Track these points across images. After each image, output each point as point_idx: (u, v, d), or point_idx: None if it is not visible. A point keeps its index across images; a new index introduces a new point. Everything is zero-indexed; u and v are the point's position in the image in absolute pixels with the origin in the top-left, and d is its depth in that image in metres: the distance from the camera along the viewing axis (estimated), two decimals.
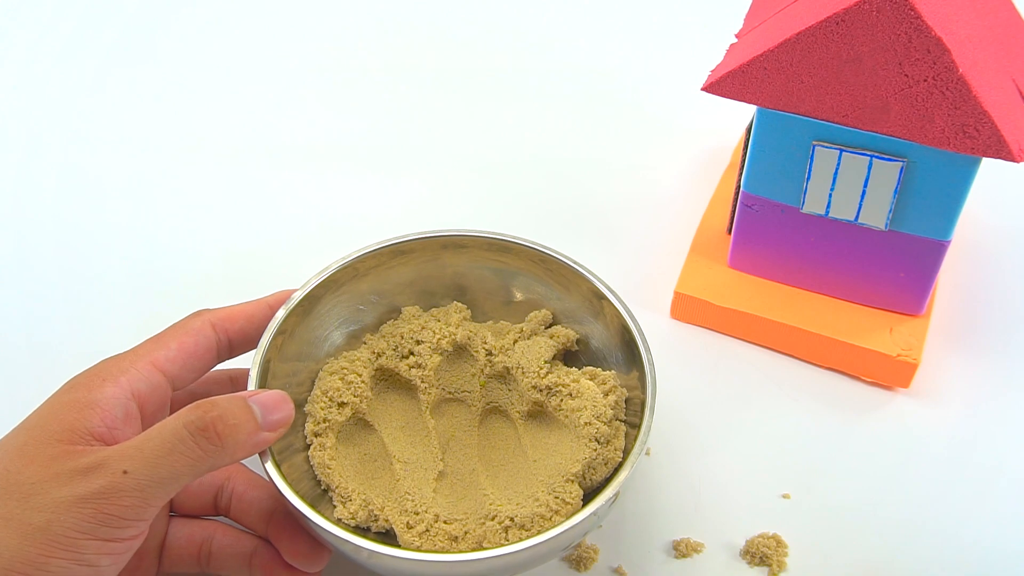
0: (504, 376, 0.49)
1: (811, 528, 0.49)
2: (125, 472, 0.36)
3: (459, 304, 0.50)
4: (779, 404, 0.54)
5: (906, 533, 0.48)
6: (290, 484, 0.41)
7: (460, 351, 0.49)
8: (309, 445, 0.45)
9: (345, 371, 0.47)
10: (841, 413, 0.53)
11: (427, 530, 0.43)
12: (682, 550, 0.47)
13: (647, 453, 0.51)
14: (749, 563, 0.47)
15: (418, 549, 0.42)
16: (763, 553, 0.47)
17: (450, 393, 0.49)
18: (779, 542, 0.47)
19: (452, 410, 0.49)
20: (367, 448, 0.47)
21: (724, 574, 0.47)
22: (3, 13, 0.80)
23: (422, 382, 0.48)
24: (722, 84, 0.49)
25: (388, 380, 0.49)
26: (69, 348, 0.56)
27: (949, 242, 0.51)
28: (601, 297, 0.48)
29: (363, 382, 0.47)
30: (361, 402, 0.46)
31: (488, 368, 0.49)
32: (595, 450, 0.44)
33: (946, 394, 0.54)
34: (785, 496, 0.50)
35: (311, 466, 0.45)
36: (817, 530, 0.48)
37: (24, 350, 0.56)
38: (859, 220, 0.51)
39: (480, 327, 0.50)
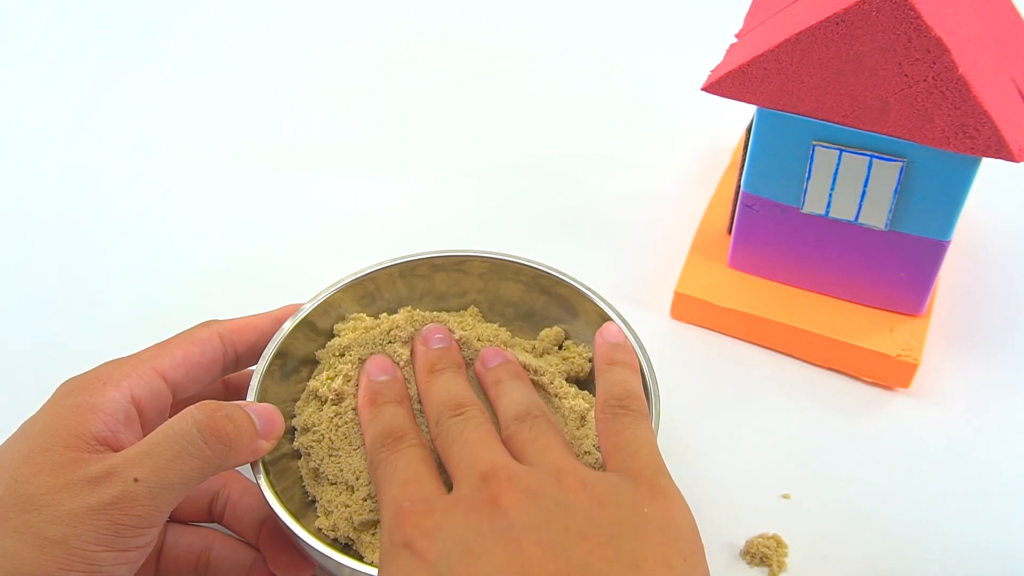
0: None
1: (811, 528, 0.49)
2: (136, 480, 0.36)
3: (474, 308, 0.50)
4: (779, 404, 0.54)
5: (906, 533, 0.48)
6: (278, 495, 0.41)
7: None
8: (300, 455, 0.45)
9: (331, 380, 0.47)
10: (841, 413, 0.53)
11: None
12: None
13: None
14: (749, 563, 0.47)
15: None
16: (763, 553, 0.47)
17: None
18: (779, 542, 0.47)
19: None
20: None
21: (724, 574, 0.47)
22: (5, 13, 0.80)
23: (405, 365, 0.47)
24: (722, 84, 0.49)
25: None
26: (71, 350, 0.56)
27: (949, 242, 0.51)
28: (605, 318, 0.47)
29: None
30: None
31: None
32: None
33: (946, 394, 0.54)
34: (785, 496, 0.50)
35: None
36: (817, 530, 0.48)
37: (26, 351, 0.56)
38: (859, 220, 0.51)
39: (492, 327, 0.49)
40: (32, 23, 0.79)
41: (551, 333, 0.49)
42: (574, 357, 0.48)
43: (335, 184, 0.66)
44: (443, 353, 0.44)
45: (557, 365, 0.48)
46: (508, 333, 0.49)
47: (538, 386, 0.46)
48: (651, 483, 0.37)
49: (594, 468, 0.42)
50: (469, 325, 0.49)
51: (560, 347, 0.50)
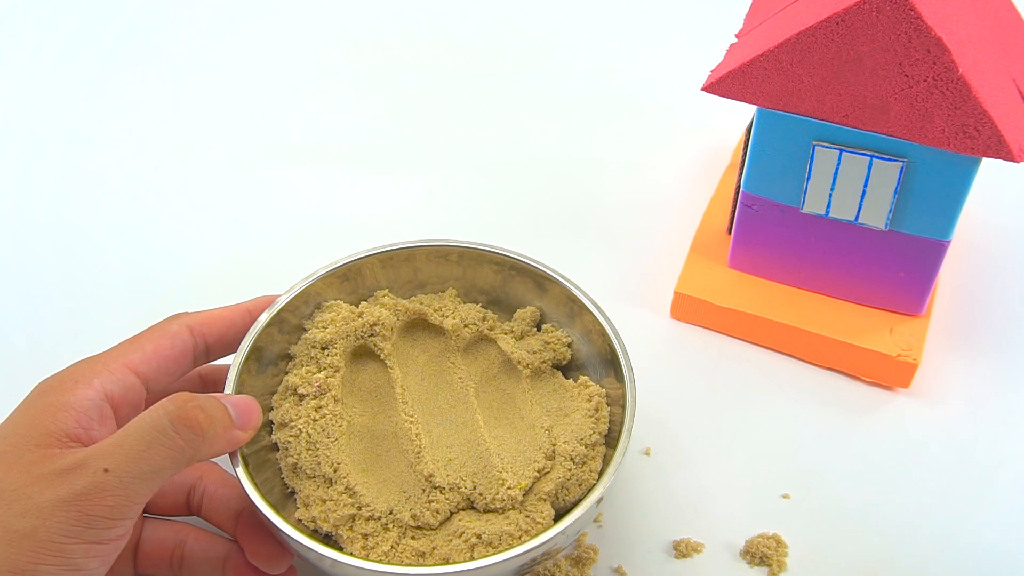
0: (477, 345, 0.49)
1: (811, 528, 0.49)
2: (106, 470, 0.36)
3: (452, 291, 0.51)
4: (779, 404, 0.54)
5: (906, 533, 0.48)
6: (258, 487, 0.41)
7: (424, 326, 0.49)
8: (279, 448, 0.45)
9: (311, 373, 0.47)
10: (841, 413, 0.53)
11: (392, 548, 0.43)
12: (682, 550, 0.47)
13: (647, 453, 0.51)
14: (749, 563, 0.47)
15: (380, 561, 0.42)
16: (763, 553, 0.47)
17: (428, 386, 0.48)
18: (779, 542, 0.47)
19: (434, 396, 0.48)
20: None
21: (724, 574, 0.47)
22: (3, 13, 0.80)
23: (387, 356, 0.48)
24: (722, 84, 0.49)
25: (356, 383, 0.48)
26: (66, 348, 0.56)
27: (949, 242, 0.51)
28: (572, 299, 0.48)
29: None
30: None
31: (458, 340, 0.49)
32: (570, 470, 0.43)
33: (946, 394, 0.54)
34: (785, 496, 0.50)
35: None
36: (817, 530, 0.48)
37: (23, 350, 0.56)
38: (859, 220, 0.51)
39: (473, 307, 0.50)
40: (31, 22, 0.79)
41: (526, 313, 0.50)
42: (554, 343, 0.49)
43: (335, 185, 0.66)
44: None
45: (540, 351, 0.48)
46: (492, 314, 0.50)
47: (518, 376, 0.47)
48: None
49: (584, 461, 0.44)
50: (449, 308, 0.49)
51: (538, 328, 0.50)
